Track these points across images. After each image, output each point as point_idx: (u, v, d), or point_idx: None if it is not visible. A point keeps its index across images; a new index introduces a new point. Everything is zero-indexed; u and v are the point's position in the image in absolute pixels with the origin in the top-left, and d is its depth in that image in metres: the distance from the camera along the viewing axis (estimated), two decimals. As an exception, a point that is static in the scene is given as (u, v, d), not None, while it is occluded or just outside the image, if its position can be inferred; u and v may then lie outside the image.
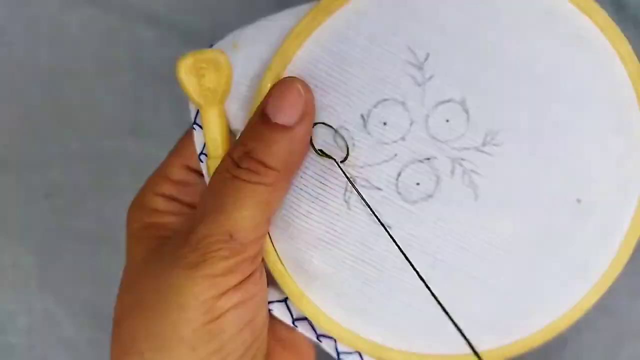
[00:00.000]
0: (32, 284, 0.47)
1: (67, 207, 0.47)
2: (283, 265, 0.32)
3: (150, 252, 0.31)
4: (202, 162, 0.33)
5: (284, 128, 0.29)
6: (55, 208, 0.47)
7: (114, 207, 0.46)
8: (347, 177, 0.30)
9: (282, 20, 0.31)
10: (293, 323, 0.33)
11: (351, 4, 0.30)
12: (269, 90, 0.30)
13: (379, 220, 0.30)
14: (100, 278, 0.47)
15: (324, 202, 0.31)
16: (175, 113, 0.46)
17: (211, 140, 0.32)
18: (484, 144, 0.30)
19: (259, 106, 0.30)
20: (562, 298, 0.32)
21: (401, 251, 0.30)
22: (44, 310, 0.47)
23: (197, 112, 0.33)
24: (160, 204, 0.33)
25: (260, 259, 0.31)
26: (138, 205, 0.34)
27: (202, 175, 0.33)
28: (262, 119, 0.29)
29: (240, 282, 0.29)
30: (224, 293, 0.29)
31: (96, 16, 0.46)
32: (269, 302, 0.33)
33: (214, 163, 0.31)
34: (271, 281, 0.33)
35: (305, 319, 0.33)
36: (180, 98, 0.48)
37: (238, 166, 0.29)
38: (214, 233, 0.28)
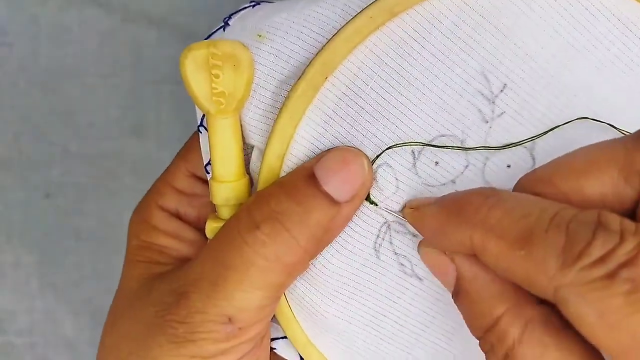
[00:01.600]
0: (32, 284, 0.47)
1: (67, 207, 0.47)
2: (291, 310, 0.28)
3: (141, 287, 0.27)
4: (208, 173, 0.27)
5: (332, 201, 0.24)
6: (55, 208, 0.47)
7: (114, 207, 0.46)
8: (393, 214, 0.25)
9: (322, 9, 0.25)
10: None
11: (422, 8, 0.23)
12: (328, 152, 0.24)
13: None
14: (101, 278, 0.47)
15: (350, 251, 0.26)
16: (175, 113, 0.46)
17: (220, 159, 0.25)
18: None
19: (304, 164, 0.25)
20: None
21: None
22: (44, 310, 0.47)
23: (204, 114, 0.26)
24: (161, 220, 0.29)
25: (263, 335, 0.26)
26: (139, 218, 0.30)
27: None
28: (308, 180, 0.24)
29: None
30: None
31: (96, 16, 0.46)
32: (272, 339, 0.29)
33: (221, 190, 0.25)
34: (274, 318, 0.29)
35: None
36: (180, 98, 0.48)
37: (257, 228, 0.23)
38: (209, 312, 0.24)
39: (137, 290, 0.27)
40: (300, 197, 0.24)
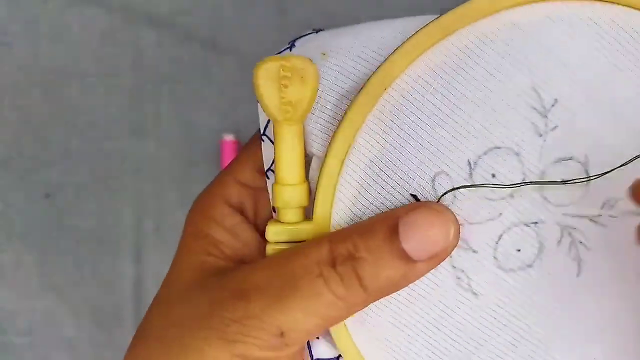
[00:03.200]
0: (32, 284, 0.47)
1: (67, 207, 0.47)
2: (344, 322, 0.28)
3: (196, 279, 0.28)
4: (268, 178, 0.29)
5: (408, 260, 0.24)
6: (55, 208, 0.47)
7: (114, 207, 0.46)
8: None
9: (383, 32, 0.27)
10: None
11: (475, 27, 0.25)
12: (418, 209, 0.25)
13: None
14: (101, 278, 0.47)
15: None
16: (175, 113, 0.46)
17: (284, 163, 0.26)
18: (600, 214, 0.26)
19: (392, 213, 0.25)
20: None
21: None
22: (44, 310, 0.47)
23: (268, 121, 0.28)
24: (222, 214, 0.30)
25: (302, 349, 0.27)
26: (199, 208, 0.30)
27: None
28: (390, 234, 0.24)
29: None
30: None
31: (96, 16, 0.46)
32: None
33: (284, 192, 0.26)
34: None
35: None
36: (180, 98, 0.48)
37: (334, 265, 0.24)
38: (265, 320, 0.24)
39: (190, 282, 0.28)
40: (377, 249, 0.24)
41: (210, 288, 0.27)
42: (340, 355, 0.28)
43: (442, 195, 0.26)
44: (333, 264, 0.24)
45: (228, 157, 0.46)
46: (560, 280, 0.26)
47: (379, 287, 0.24)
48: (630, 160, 0.25)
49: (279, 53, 0.28)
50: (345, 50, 0.27)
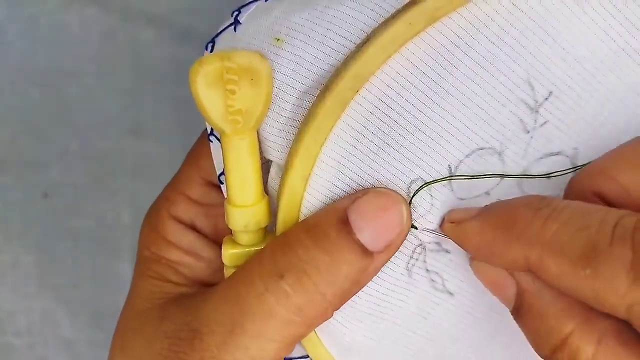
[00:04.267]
0: (31, 284, 0.47)
1: (66, 207, 0.47)
2: (315, 332, 0.26)
3: (153, 309, 0.26)
4: (222, 183, 0.25)
5: (365, 252, 0.22)
6: (54, 208, 0.47)
7: (112, 207, 0.46)
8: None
9: (349, 9, 0.22)
10: None
11: (466, 11, 0.21)
12: (364, 195, 0.22)
13: None
14: (100, 278, 0.47)
15: (380, 276, 0.24)
16: (175, 113, 0.46)
17: (237, 183, 0.22)
18: None
19: (336, 205, 0.22)
20: None
21: None
22: (43, 310, 0.47)
23: None
24: (174, 233, 0.28)
25: None
26: (150, 227, 0.28)
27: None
28: (340, 226, 0.21)
29: None
30: None
31: (96, 16, 0.46)
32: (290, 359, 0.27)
33: (239, 215, 0.23)
34: None
35: None
36: (180, 98, 0.48)
37: (281, 277, 0.21)
38: (223, 357, 0.22)
39: (148, 312, 0.26)
40: (330, 246, 0.21)
41: (168, 324, 0.24)
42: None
43: (414, 195, 0.23)
44: (280, 276, 0.21)
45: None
46: None
47: (339, 290, 0.22)
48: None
49: (218, 34, 0.24)
50: (305, 35, 0.22)
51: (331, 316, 0.23)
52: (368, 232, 0.21)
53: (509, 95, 0.22)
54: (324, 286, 0.21)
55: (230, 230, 0.24)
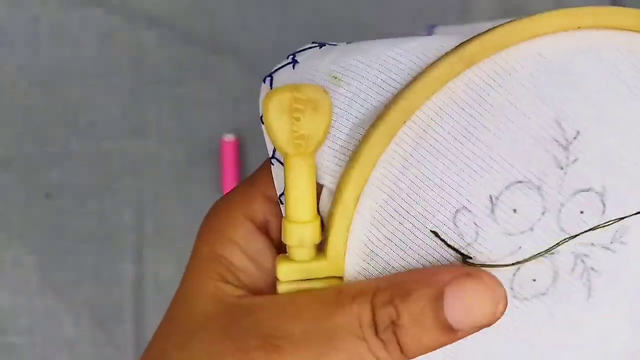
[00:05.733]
0: (32, 284, 0.47)
1: (67, 207, 0.47)
2: None
3: (219, 313, 0.26)
4: (282, 203, 0.26)
5: (450, 329, 0.23)
6: (55, 208, 0.47)
7: (114, 207, 0.47)
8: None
9: (399, 56, 0.26)
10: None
11: (499, 57, 0.25)
12: (464, 273, 0.24)
13: None
14: (101, 278, 0.47)
15: None
16: (175, 113, 0.46)
17: (296, 200, 0.25)
18: (612, 241, 0.26)
19: (434, 278, 0.24)
20: None
21: None
22: (44, 310, 0.47)
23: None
24: (244, 235, 0.27)
25: None
26: (218, 223, 0.28)
27: None
28: (432, 300, 0.23)
29: None
30: None
31: (96, 16, 0.46)
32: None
33: (296, 231, 0.25)
34: None
35: None
36: (180, 98, 0.48)
37: (376, 330, 0.23)
38: None
39: (207, 316, 0.26)
40: (420, 319, 0.23)
41: (234, 330, 0.25)
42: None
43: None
44: (375, 328, 0.23)
45: (228, 157, 0.46)
46: (570, 304, 0.26)
47: (418, 352, 0.23)
48: None
49: (277, 69, 0.27)
50: (359, 75, 0.25)
51: None
52: (459, 315, 0.23)
53: (541, 132, 0.25)
54: (407, 349, 0.23)
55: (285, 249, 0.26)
